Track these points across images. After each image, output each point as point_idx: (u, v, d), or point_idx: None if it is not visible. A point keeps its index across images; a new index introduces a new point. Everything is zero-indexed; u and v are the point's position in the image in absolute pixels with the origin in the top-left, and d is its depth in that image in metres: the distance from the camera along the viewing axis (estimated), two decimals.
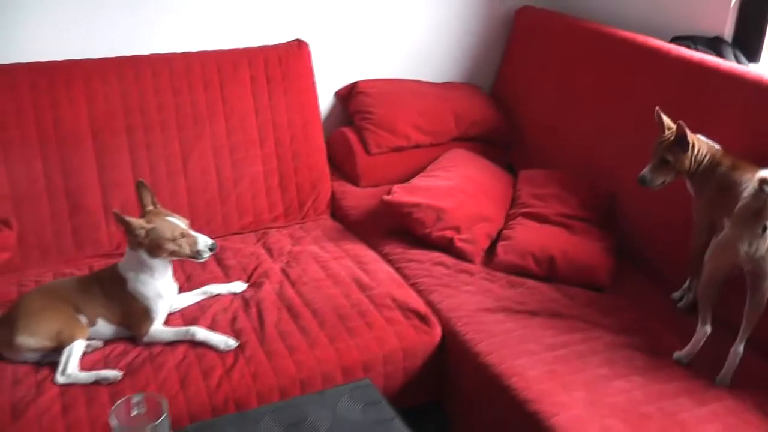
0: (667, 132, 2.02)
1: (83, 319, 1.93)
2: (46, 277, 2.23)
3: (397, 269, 2.35)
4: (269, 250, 2.45)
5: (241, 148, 2.60)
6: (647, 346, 1.99)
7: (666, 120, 2.03)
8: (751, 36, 2.49)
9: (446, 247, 2.41)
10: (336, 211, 2.78)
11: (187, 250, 1.94)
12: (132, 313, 1.96)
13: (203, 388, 1.82)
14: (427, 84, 3.11)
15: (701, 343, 1.89)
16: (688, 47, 2.46)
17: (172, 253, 1.94)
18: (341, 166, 2.95)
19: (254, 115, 2.63)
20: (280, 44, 2.75)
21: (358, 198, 2.78)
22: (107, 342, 1.97)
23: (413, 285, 2.26)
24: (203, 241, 1.95)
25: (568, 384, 1.82)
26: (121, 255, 2.03)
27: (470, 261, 2.38)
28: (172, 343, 1.95)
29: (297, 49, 2.75)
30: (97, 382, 1.80)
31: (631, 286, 2.30)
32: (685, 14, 2.64)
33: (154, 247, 1.92)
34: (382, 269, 2.32)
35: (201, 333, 1.96)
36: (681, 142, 1.98)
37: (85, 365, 1.86)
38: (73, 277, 2.09)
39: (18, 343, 1.85)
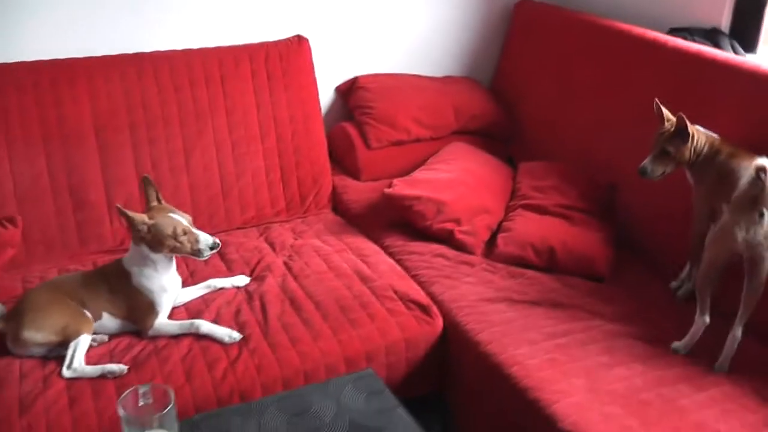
0: (666, 124, 2.03)
1: (89, 313, 1.94)
2: (50, 273, 2.25)
3: (399, 261, 2.36)
4: (272, 244, 2.47)
5: (243, 144, 2.62)
6: (647, 334, 2.01)
7: (665, 112, 2.05)
8: (748, 26, 2.50)
9: (447, 239, 2.42)
10: (337, 205, 2.80)
11: (188, 247, 1.95)
12: (137, 307, 1.98)
13: (208, 380, 1.85)
14: (426, 78, 3.13)
15: (699, 334, 1.91)
16: (686, 39, 2.47)
17: (173, 250, 1.95)
18: (342, 160, 2.97)
19: (256, 111, 2.65)
20: (280, 40, 2.76)
21: (359, 192, 2.80)
22: (112, 336, 1.99)
23: (414, 277, 2.28)
24: (204, 240, 1.96)
25: (569, 372, 1.84)
26: (125, 251, 2.06)
27: (471, 252, 2.40)
28: (176, 337, 1.97)
29: (297, 45, 2.76)
30: (103, 376, 1.82)
31: (630, 277, 2.32)
32: (681, 5, 2.65)
33: (156, 242, 1.94)
34: (384, 261, 2.34)
35: (205, 326, 1.98)
36: (681, 134, 1.99)
37: (90, 359, 1.88)
38: (78, 272, 2.11)
39: (24, 338, 1.87)
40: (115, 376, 1.82)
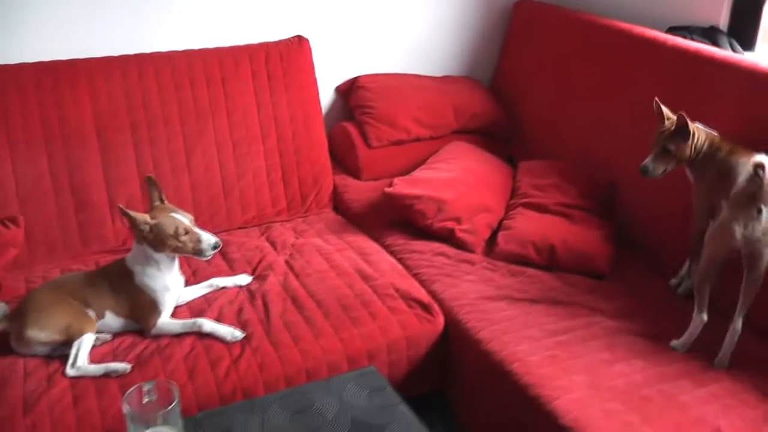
0: (666, 122, 2.04)
1: (92, 312, 1.95)
2: (53, 273, 2.26)
3: (400, 260, 2.37)
4: (273, 244, 2.48)
5: (244, 144, 2.63)
6: (647, 331, 2.02)
7: (665, 110, 2.05)
8: (746, 25, 2.51)
9: (447, 237, 2.43)
10: (338, 204, 2.81)
11: (189, 247, 1.96)
12: (140, 306, 1.99)
13: (211, 378, 1.85)
14: (426, 78, 3.14)
15: (698, 332, 1.92)
16: (684, 37, 2.48)
17: (175, 249, 1.96)
18: (343, 160, 2.98)
19: (256, 111, 2.66)
20: (280, 41, 2.77)
21: (359, 191, 2.81)
22: (116, 335, 2.00)
23: (415, 275, 2.29)
24: (206, 240, 1.96)
25: (569, 368, 1.85)
26: (127, 251, 2.07)
27: (471, 251, 2.41)
28: (179, 335, 1.98)
29: (298, 46, 2.77)
30: (107, 375, 1.83)
31: (630, 274, 2.33)
32: (680, 4, 2.66)
33: (158, 242, 1.94)
34: (385, 260, 2.35)
35: (208, 325, 1.99)
36: (682, 132, 2.00)
37: (94, 358, 1.89)
38: (80, 272, 2.12)
39: (28, 337, 1.88)
40: (119, 375, 1.83)
